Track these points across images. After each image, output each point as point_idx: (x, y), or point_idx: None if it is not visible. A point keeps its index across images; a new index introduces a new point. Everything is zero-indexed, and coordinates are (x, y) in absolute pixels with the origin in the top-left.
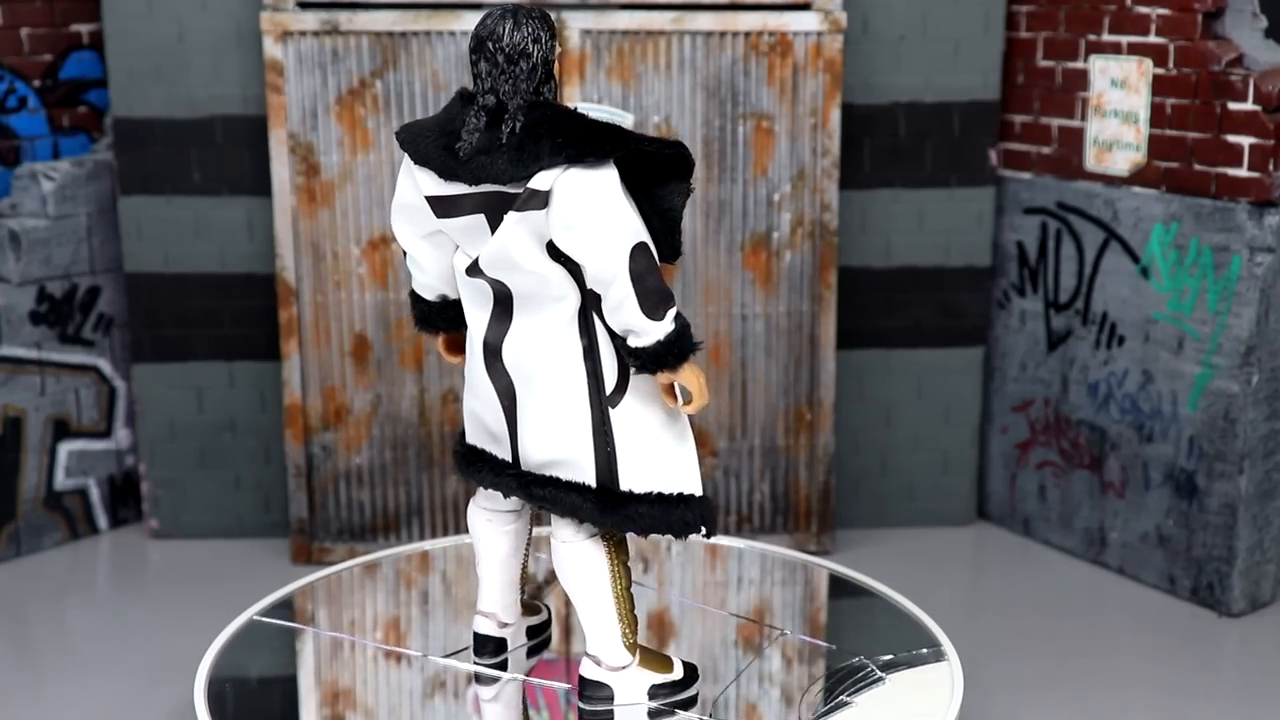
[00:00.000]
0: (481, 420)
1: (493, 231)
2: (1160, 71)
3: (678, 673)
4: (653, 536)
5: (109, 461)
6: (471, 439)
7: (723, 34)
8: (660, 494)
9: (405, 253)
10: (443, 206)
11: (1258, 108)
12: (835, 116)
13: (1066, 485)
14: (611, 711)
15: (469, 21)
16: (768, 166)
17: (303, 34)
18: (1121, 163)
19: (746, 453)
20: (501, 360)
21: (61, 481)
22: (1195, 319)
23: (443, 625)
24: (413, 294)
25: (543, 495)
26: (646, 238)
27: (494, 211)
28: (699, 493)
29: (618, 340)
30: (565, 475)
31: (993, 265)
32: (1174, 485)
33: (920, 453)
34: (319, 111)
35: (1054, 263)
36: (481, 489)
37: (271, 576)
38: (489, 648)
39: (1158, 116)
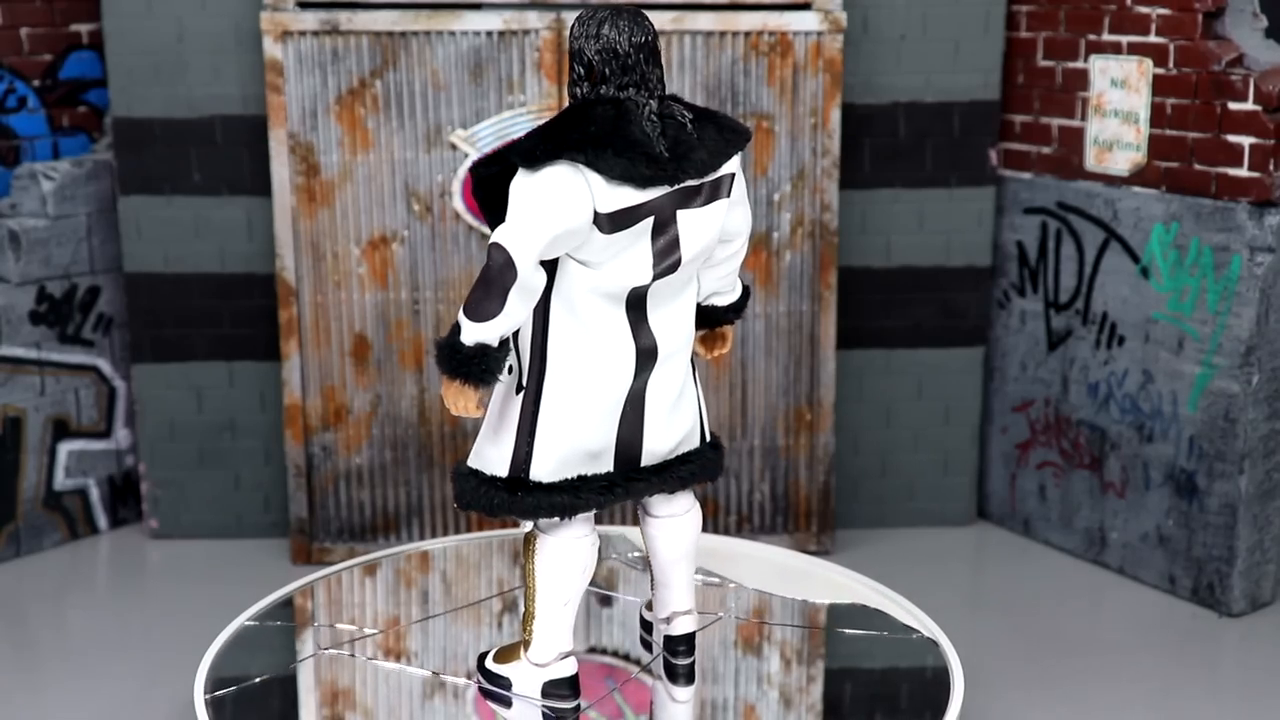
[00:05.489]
0: (584, 446)
1: (655, 233)
2: (1160, 71)
3: None
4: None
5: (109, 461)
6: (564, 473)
7: (723, 34)
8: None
9: (508, 290)
10: (622, 219)
11: (1258, 108)
12: (835, 116)
13: (1066, 485)
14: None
15: (469, 21)
16: (768, 166)
17: (303, 34)
18: (1122, 162)
19: (746, 453)
20: (655, 360)
21: (61, 481)
22: (1195, 319)
23: (442, 625)
24: (476, 349)
25: (691, 471)
26: None
27: (667, 211)
28: None
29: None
30: (689, 447)
31: (993, 265)
32: (1174, 485)
33: (920, 453)
34: (319, 111)
35: (1054, 263)
36: (576, 518)
37: (271, 576)
38: (576, 687)
39: (1158, 116)
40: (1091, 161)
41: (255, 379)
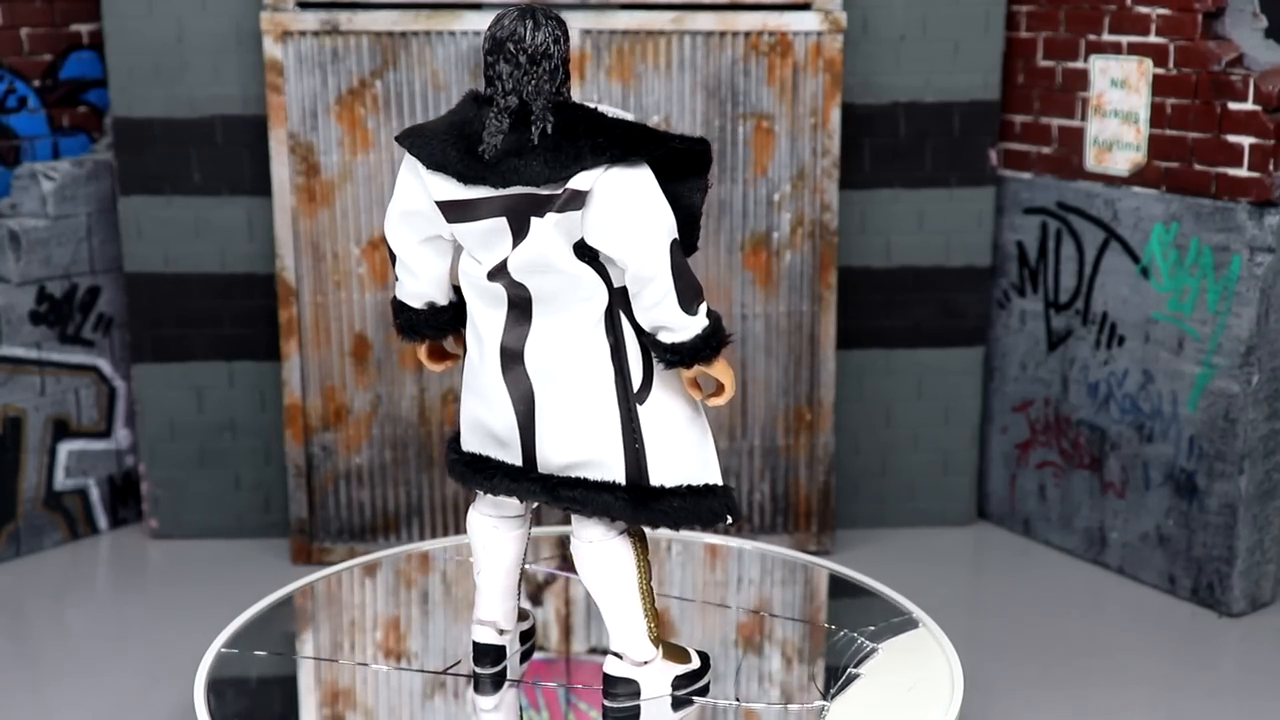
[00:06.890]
0: (486, 426)
1: (515, 234)
2: (1160, 71)
3: (695, 662)
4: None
5: (109, 461)
6: (472, 446)
7: (723, 34)
8: (690, 486)
9: (394, 259)
10: (457, 211)
11: (1258, 108)
12: (835, 116)
13: (1066, 485)
14: (638, 706)
15: (469, 21)
16: (768, 166)
17: (303, 34)
18: (1121, 163)
19: (746, 453)
20: (523, 364)
21: (61, 481)
22: (1195, 319)
23: (442, 626)
24: (397, 303)
25: (571, 497)
26: (677, 234)
27: (519, 214)
28: (721, 482)
29: (645, 337)
30: (593, 475)
31: (993, 265)
32: (1174, 485)
33: (920, 453)
34: (319, 111)
35: (1054, 263)
36: (484, 495)
37: (271, 576)
38: (490, 656)
39: (1158, 116)
40: (1091, 161)
41: (255, 379)
